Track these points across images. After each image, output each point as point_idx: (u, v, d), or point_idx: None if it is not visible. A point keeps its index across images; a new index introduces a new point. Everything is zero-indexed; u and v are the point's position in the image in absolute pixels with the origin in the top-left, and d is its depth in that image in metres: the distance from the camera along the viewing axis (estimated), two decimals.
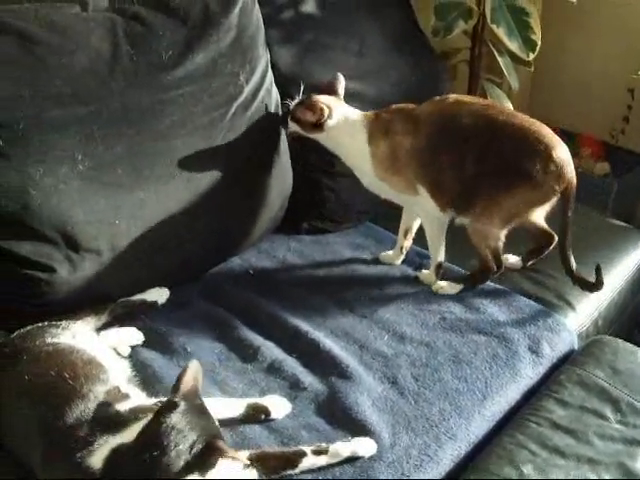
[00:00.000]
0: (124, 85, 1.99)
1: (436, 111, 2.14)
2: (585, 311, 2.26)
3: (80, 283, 1.98)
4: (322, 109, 2.13)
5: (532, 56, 2.85)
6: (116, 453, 1.42)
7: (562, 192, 2.08)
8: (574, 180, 2.11)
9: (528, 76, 3.52)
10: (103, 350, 1.78)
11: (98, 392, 1.55)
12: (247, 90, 2.22)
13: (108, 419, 1.49)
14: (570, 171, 2.09)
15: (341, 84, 2.26)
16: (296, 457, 1.61)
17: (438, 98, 2.18)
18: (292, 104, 2.20)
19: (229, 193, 2.23)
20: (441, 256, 2.26)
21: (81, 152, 1.92)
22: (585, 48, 3.57)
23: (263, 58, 2.30)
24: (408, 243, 2.35)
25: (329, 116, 2.14)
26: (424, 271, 2.30)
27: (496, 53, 3.01)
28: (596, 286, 2.17)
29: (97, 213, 1.96)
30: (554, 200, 2.10)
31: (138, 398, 1.61)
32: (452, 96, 2.17)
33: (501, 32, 2.84)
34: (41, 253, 1.91)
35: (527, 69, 3.17)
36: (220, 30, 2.15)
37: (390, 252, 2.37)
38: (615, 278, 2.39)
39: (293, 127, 2.21)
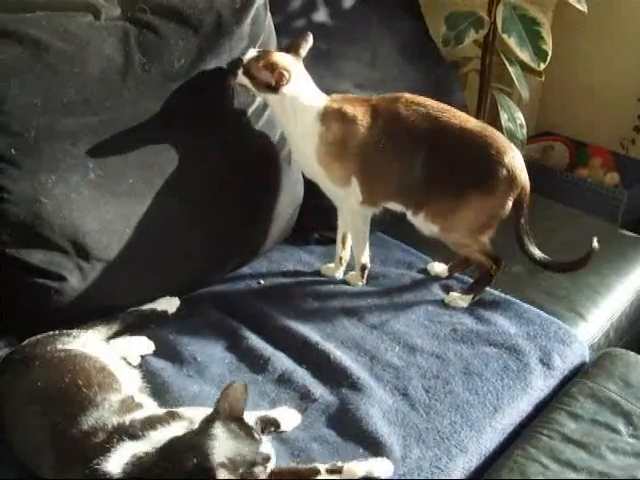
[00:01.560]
0: (136, 94, 1.99)
1: (391, 109, 2.11)
2: (596, 323, 2.26)
3: (90, 292, 1.97)
4: (282, 74, 2.05)
5: (543, 66, 2.85)
6: (138, 459, 1.41)
7: (516, 199, 2.08)
8: (527, 186, 2.11)
9: (538, 86, 3.52)
10: (115, 359, 1.77)
11: (112, 401, 1.55)
12: (259, 99, 2.22)
13: (125, 427, 1.48)
14: (523, 176, 2.09)
15: (307, 44, 2.16)
16: (310, 475, 1.60)
17: (392, 95, 2.15)
18: (247, 55, 2.11)
19: (241, 203, 2.23)
20: (365, 257, 2.27)
21: (92, 161, 1.93)
22: (595, 58, 3.57)
23: None
24: (347, 253, 2.33)
25: (287, 81, 2.07)
26: (351, 273, 2.31)
27: (507, 63, 3.01)
28: (578, 264, 2.16)
29: (108, 222, 1.96)
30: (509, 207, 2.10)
31: (151, 408, 1.61)
32: (406, 95, 2.14)
33: (512, 42, 2.83)
34: (52, 262, 1.90)
35: (537, 79, 3.17)
36: (233, 39, 2.15)
37: (331, 265, 2.35)
38: (626, 289, 2.39)
39: (243, 81, 2.11)
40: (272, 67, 2.06)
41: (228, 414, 1.42)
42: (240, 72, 2.09)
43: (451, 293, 2.24)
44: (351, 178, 2.13)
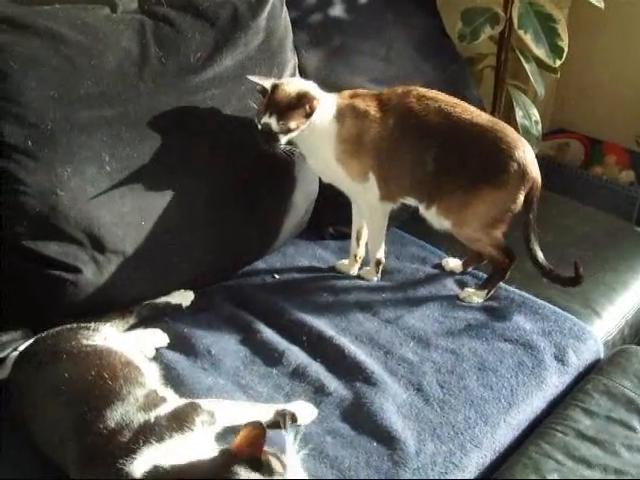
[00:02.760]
0: (152, 87, 2.00)
1: (403, 103, 2.11)
2: (611, 319, 2.25)
3: (105, 284, 1.98)
4: (313, 103, 2.04)
5: (559, 63, 2.84)
6: (158, 471, 1.40)
7: (527, 193, 2.09)
8: (539, 181, 2.11)
9: (553, 82, 3.51)
10: (138, 352, 1.78)
11: (138, 395, 1.55)
12: None
13: (150, 426, 1.48)
14: (534, 171, 2.09)
15: None
16: None
17: (404, 89, 2.15)
18: (264, 120, 2.03)
19: (256, 197, 2.24)
20: (380, 252, 2.27)
21: (108, 153, 1.94)
22: (611, 55, 3.56)
23: (291, 62, 2.31)
24: (362, 250, 2.33)
25: (318, 102, 2.07)
26: (365, 268, 2.31)
27: (522, 59, 3.00)
28: (575, 281, 2.14)
29: (123, 215, 1.97)
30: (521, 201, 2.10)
31: (174, 401, 1.60)
32: (418, 89, 2.14)
33: (528, 38, 2.83)
34: (67, 254, 1.91)
35: (552, 75, 3.16)
36: (248, 33, 2.16)
37: (345, 261, 2.35)
38: None
39: (293, 127, 2.05)
40: (300, 102, 2.03)
41: (246, 456, 1.38)
42: (277, 128, 2.03)
43: (466, 289, 2.24)
44: (368, 174, 2.14)
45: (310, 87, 2.09)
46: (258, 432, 1.38)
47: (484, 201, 2.08)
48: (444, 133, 2.07)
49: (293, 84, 2.08)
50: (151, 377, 1.68)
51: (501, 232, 2.15)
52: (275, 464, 1.40)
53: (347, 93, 2.17)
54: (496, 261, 2.19)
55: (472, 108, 2.13)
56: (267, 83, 2.05)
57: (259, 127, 2.04)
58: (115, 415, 1.50)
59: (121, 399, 1.53)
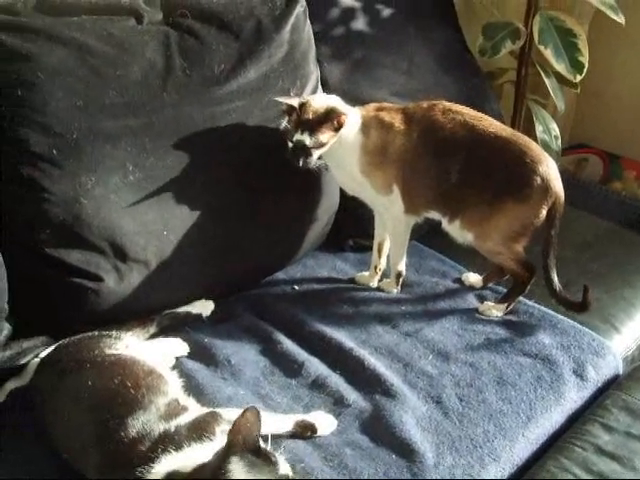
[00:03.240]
0: (176, 98, 2.02)
1: (428, 116, 2.13)
2: (630, 335, 2.25)
3: (127, 293, 1.99)
4: (341, 118, 2.07)
5: (579, 78, 2.84)
6: (174, 476, 1.41)
7: (550, 208, 2.09)
8: (562, 196, 2.11)
9: (573, 97, 3.51)
10: (159, 361, 1.79)
11: (159, 404, 1.56)
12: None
13: (169, 435, 1.49)
14: (557, 186, 2.10)
15: None
16: None
17: (429, 103, 2.17)
18: (297, 137, 2.05)
19: (277, 209, 2.25)
20: (402, 265, 2.28)
21: (132, 163, 1.95)
22: (631, 70, 3.55)
23: (314, 74, 2.32)
24: (383, 262, 2.33)
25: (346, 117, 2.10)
26: (385, 280, 2.31)
27: (543, 74, 3.00)
28: (583, 307, 2.14)
29: (146, 224, 1.98)
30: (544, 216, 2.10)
31: (195, 410, 1.61)
32: (443, 103, 2.16)
33: (548, 53, 2.83)
34: (90, 262, 1.92)
35: (572, 90, 3.16)
36: (272, 46, 2.18)
37: (366, 273, 2.35)
38: None
39: (325, 141, 2.08)
40: (329, 116, 2.06)
41: (242, 445, 1.38)
42: (310, 143, 2.06)
43: (485, 302, 2.24)
44: (393, 186, 2.15)
45: (336, 102, 2.12)
46: (252, 420, 1.39)
47: (507, 215, 2.09)
48: (469, 146, 2.08)
49: (320, 100, 2.10)
50: (173, 385, 1.69)
51: (522, 246, 2.15)
52: (271, 454, 1.43)
53: (372, 106, 2.19)
54: (516, 275, 2.19)
55: (496, 122, 2.14)
56: (294, 102, 2.07)
57: (291, 145, 2.07)
58: (137, 423, 1.51)
59: (143, 408, 1.54)
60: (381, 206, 2.23)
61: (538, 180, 2.05)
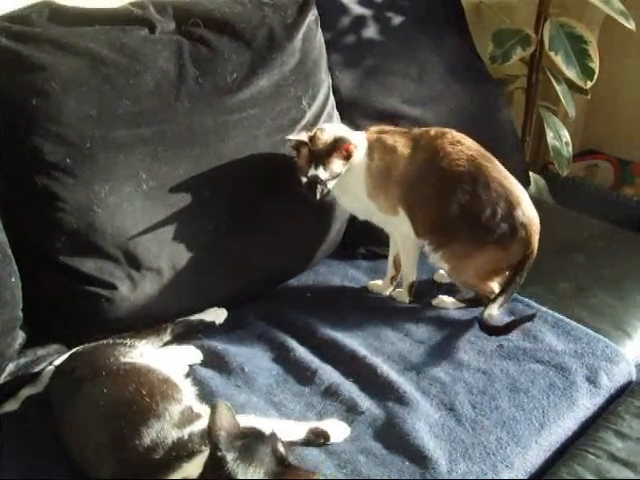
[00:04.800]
0: (189, 107, 2.03)
1: (435, 144, 2.14)
2: None
3: (140, 301, 2.00)
4: (349, 149, 2.08)
5: (590, 84, 2.85)
6: None
7: (523, 258, 2.14)
8: (535, 251, 2.16)
9: (584, 103, 3.51)
10: (173, 368, 1.80)
11: (173, 412, 1.57)
12: (309, 114, 2.25)
13: (182, 444, 1.49)
14: (536, 241, 2.15)
15: None
16: None
17: (438, 131, 2.18)
18: (314, 175, 2.06)
19: (289, 217, 2.25)
20: (413, 276, 2.28)
21: (145, 172, 1.96)
22: None
23: (325, 82, 2.33)
24: (399, 274, 2.33)
25: (355, 147, 2.11)
26: (398, 289, 2.32)
27: (553, 81, 3.02)
28: (503, 330, 2.12)
29: (159, 232, 1.99)
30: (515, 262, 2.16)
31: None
32: (453, 132, 2.18)
33: (559, 60, 2.84)
34: (103, 270, 1.93)
35: (583, 96, 3.17)
36: (284, 54, 2.19)
37: (379, 282, 2.36)
38: None
39: (338, 171, 2.09)
40: (337, 145, 2.07)
41: (228, 438, 1.37)
42: (325, 176, 2.07)
43: (439, 296, 2.28)
44: (398, 208, 2.17)
45: (341, 130, 2.14)
46: (224, 408, 1.39)
47: (484, 256, 2.14)
48: (470, 183, 2.10)
49: (327, 131, 2.11)
50: (187, 393, 1.70)
51: (497, 283, 2.19)
52: (252, 430, 1.44)
53: (375, 129, 2.21)
54: (482, 299, 2.22)
55: (502, 168, 2.16)
56: (303, 137, 2.08)
57: (305, 180, 2.08)
58: (151, 432, 1.51)
59: (157, 416, 1.55)
60: (390, 226, 2.25)
61: (522, 234, 2.11)
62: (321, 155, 2.06)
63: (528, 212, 2.14)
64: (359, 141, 2.13)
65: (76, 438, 1.64)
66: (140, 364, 1.72)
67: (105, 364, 1.70)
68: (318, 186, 2.07)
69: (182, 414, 1.58)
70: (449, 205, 2.10)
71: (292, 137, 2.11)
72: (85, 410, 1.63)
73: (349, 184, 2.15)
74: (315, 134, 2.09)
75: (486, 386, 1.95)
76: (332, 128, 2.14)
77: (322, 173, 2.06)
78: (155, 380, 1.66)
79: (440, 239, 2.16)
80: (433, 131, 2.18)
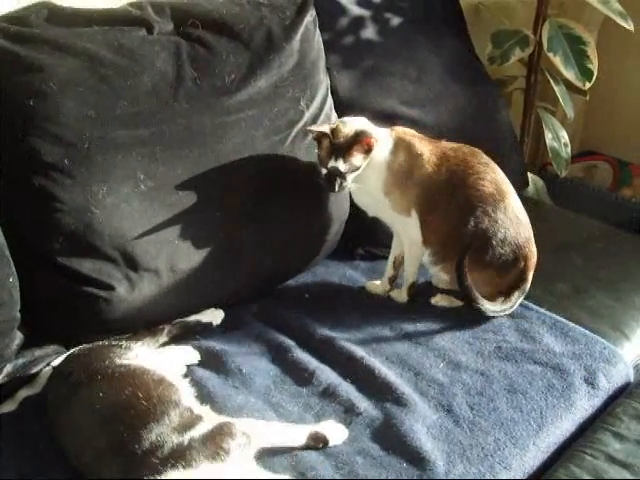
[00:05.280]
0: (187, 107, 2.02)
1: (467, 161, 2.16)
2: None
3: (138, 302, 2.00)
4: (370, 142, 2.08)
5: (588, 85, 2.85)
6: None
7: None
8: (528, 284, 2.21)
9: (582, 104, 3.51)
10: (170, 369, 1.80)
11: (172, 415, 1.56)
12: (307, 115, 2.24)
13: (183, 449, 1.49)
14: (530, 275, 2.20)
15: None
16: None
17: (470, 149, 2.19)
18: (334, 162, 2.06)
19: (287, 218, 2.25)
20: (414, 278, 2.28)
21: (143, 172, 1.96)
22: None
23: (323, 83, 2.33)
24: (396, 275, 2.34)
25: (376, 140, 2.11)
26: (396, 290, 2.32)
27: (552, 81, 3.02)
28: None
29: (157, 233, 1.99)
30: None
31: (210, 420, 1.61)
32: (484, 154, 2.19)
33: (558, 61, 2.84)
34: (101, 271, 1.93)
35: (582, 97, 3.17)
36: (282, 55, 2.19)
37: (377, 282, 2.36)
38: None
39: (358, 164, 2.09)
40: (359, 139, 2.07)
41: None
42: (345, 168, 2.07)
43: (438, 294, 2.29)
44: (412, 210, 2.17)
45: (364, 124, 2.13)
46: None
47: (483, 277, 2.17)
48: (492, 205, 2.13)
49: (349, 124, 2.11)
50: (185, 393, 1.69)
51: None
52: None
53: (402, 129, 2.21)
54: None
55: (518, 200, 2.20)
56: (325, 128, 2.09)
57: (325, 172, 2.08)
58: (150, 436, 1.51)
59: (156, 420, 1.54)
60: (399, 225, 2.24)
61: (521, 265, 2.16)
62: (342, 148, 2.06)
63: (533, 247, 2.19)
64: (382, 136, 2.14)
65: (73, 442, 1.64)
66: (135, 366, 1.71)
67: (100, 367, 1.70)
68: (337, 178, 2.07)
69: (181, 417, 1.57)
70: (467, 222, 2.12)
71: (314, 128, 2.12)
72: (81, 414, 1.63)
73: (367, 177, 2.14)
74: (337, 126, 2.09)
75: (484, 387, 1.95)
76: (354, 121, 2.14)
77: (342, 165, 2.06)
78: (150, 382, 1.65)
79: (446, 251, 2.18)
80: (467, 148, 2.19)
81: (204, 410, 1.66)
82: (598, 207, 3.30)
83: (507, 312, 2.19)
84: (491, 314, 2.17)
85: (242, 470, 1.50)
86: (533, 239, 2.20)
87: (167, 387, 1.66)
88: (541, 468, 1.83)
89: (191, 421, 1.57)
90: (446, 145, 2.20)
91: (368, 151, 2.08)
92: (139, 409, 1.57)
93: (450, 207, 2.14)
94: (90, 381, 1.66)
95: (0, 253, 1.80)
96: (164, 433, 1.52)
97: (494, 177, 2.15)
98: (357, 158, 2.07)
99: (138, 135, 1.95)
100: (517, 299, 2.20)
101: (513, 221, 2.14)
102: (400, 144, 2.15)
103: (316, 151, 2.13)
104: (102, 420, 1.59)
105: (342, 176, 2.07)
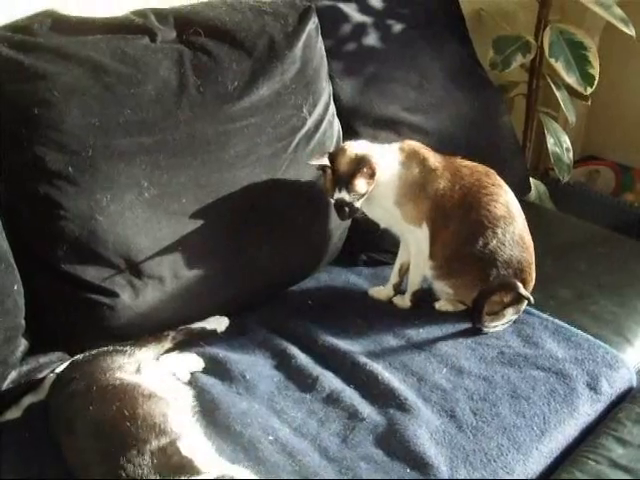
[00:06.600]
0: (190, 115, 2.03)
1: (482, 181, 2.16)
2: None
3: (142, 309, 2.00)
4: (373, 169, 2.08)
5: (590, 90, 2.85)
6: None
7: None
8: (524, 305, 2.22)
9: (584, 110, 3.52)
10: (166, 381, 1.80)
11: (153, 446, 1.51)
12: (310, 122, 2.25)
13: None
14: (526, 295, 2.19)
15: None
16: None
17: (484, 169, 2.20)
18: (338, 193, 2.07)
19: (290, 224, 2.25)
20: (418, 286, 2.28)
21: (147, 180, 1.96)
22: None
23: (326, 90, 2.34)
24: (401, 283, 2.34)
25: (378, 166, 2.10)
26: (399, 296, 2.32)
27: (554, 87, 3.02)
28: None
29: (161, 240, 1.99)
30: None
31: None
32: (497, 177, 2.20)
33: (559, 66, 2.85)
34: (105, 278, 1.93)
35: (583, 102, 3.17)
36: (285, 62, 2.19)
37: (381, 288, 2.36)
38: None
39: (364, 191, 2.09)
40: (360, 165, 2.07)
41: None
42: (350, 198, 2.08)
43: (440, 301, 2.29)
44: (423, 221, 2.17)
45: (364, 147, 2.13)
46: None
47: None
48: (502, 227, 2.14)
49: (348, 152, 2.11)
50: (179, 415, 1.66)
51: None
52: None
53: (413, 142, 2.22)
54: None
55: (526, 226, 2.21)
56: (325, 161, 2.10)
57: (333, 202, 2.11)
58: (129, 466, 1.48)
59: (137, 448, 1.50)
60: (408, 234, 2.24)
61: (520, 289, 2.14)
62: (344, 178, 2.06)
63: (533, 272, 2.21)
64: (389, 154, 2.14)
65: (69, 449, 1.65)
66: (127, 382, 1.70)
67: (99, 379, 1.70)
68: (345, 208, 2.09)
69: (163, 452, 1.51)
70: (476, 241, 2.13)
71: (314, 162, 2.13)
72: (77, 424, 1.64)
73: (378, 193, 2.14)
74: (337, 155, 2.10)
75: (487, 393, 1.95)
76: (355, 146, 2.14)
77: (347, 196, 2.07)
78: (139, 404, 1.62)
79: (451, 267, 2.19)
80: (481, 167, 2.20)
81: (196, 444, 1.61)
82: (600, 212, 3.30)
83: (499, 329, 2.19)
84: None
85: None
86: (534, 263, 2.20)
87: (156, 410, 1.62)
88: (544, 473, 1.83)
89: (175, 467, 1.49)
90: (460, 162, 2.20)
91: (372, 175, 2.08)
92: (123, 430, 1.55)
93: (462, 225, 2.15)
94: (86, 391, 1.67)
95: (5, 260, 1.80)
96: (143, 466, 1.47)
97: (506, 199, 2.16)
98: (361, 185, 2.07)
99: (142, 143, 1.96)
100: (511, 316, 2.20)
101: (520, 245, 2.16)
102: (413, 157, 2.16)
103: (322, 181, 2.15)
104: (91, 433, 1.59)
105: (349, 205, 2.08)
